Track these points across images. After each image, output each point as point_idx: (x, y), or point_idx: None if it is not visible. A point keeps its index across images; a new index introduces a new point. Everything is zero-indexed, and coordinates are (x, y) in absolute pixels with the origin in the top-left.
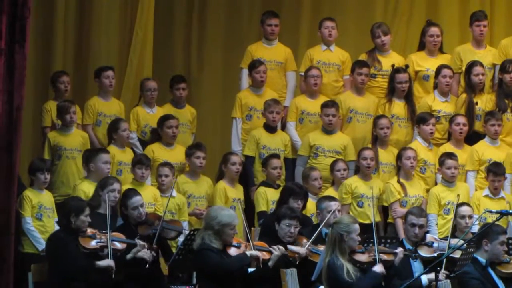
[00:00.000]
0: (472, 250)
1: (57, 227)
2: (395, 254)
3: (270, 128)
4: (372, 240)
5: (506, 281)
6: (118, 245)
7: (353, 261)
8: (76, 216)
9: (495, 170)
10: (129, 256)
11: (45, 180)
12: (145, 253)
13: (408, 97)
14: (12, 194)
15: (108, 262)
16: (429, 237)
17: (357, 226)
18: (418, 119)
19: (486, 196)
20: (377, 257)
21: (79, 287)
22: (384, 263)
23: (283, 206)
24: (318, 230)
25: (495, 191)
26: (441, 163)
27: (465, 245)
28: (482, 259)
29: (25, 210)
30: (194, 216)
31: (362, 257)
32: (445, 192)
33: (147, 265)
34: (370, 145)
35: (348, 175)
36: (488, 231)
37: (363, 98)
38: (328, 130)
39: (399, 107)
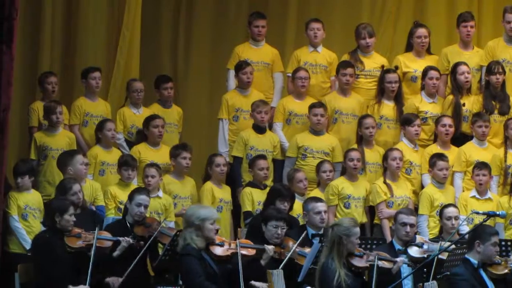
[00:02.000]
0: (460, 251)
1: (43, 228)
2: (395, 262)
3: (259, 128)
4: (363, 242)
5: (497, 282)
6: (104, 243)
7: (349, 264)
8: (61, 215)
9: (480, 166)
10: (115, 253)
11: (30, 182)
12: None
13: (397, 99)
14: None
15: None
16: (419, 238)
17: (357, 229)
18: (403, 121)
19: (473, 197)
20: (375, 263)
21: None
22: (381, 269)
23: (270, 207)
24: (305, 233)
25: (481, 189)
26: (432, 164)
27: (452, 246)
28: (474, 260)
29: (12, 209)
30: (181, 217)
31: (359, 262)
32: (437, 194)
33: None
34: (355, 145)
35: (335, 177)
36: (481, 232)
37: (348, 98)
38: (316, 130)
39: (388, 108)
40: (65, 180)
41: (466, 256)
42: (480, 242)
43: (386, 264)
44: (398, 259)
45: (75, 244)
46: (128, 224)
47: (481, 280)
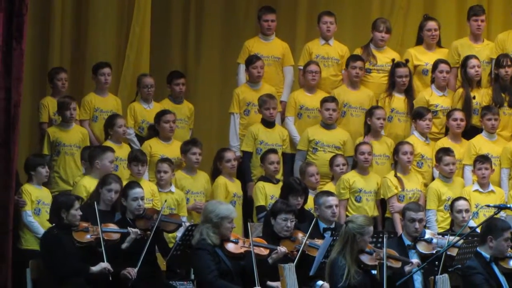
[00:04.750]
0: (471, 245)
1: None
2: (408, 263)
3: (267, 123)
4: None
5: (508, 276)
6: (113, 236)
7: (359, 261)
8: (67, 211)
9: (481, 160)
10: (124, 245)
11: (47, 174)
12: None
13: (408, 92)
14: (10, 190)
15: (102, 266)
16: (428, 233)
17: (371, 228)
18: (415, 114)
19: (476, 190)
20: (384, 263)
21: (78, 283)
22: (390, 269)
23: (278, 201)
24: (313, 223)
25: (483, 182)
26: (439, 159)
27: (462, 239)
28: (486, 255)
29: (26, 204)
30: (194, 211)
31: (369, 260)
32: (444, 188)
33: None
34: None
35: (348, 171)
36: (493, 227)
37: (357, 92)
38: (327, 124)
39: (399, 101)
40: (110, 175)
41: (478, 249)
42: (492, 237)
43: (394, 264)
44: (414, 261)
45: (83, 238)
46: (129, 220)
47: (493, 274)
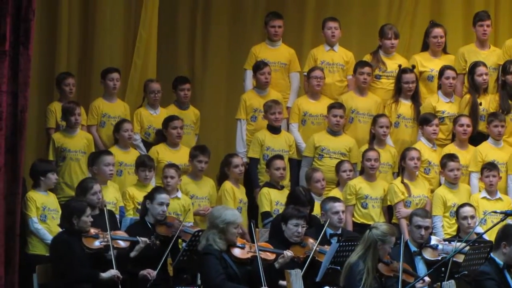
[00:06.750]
0: (478, 251)
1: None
2: (419, 279)
3: (274, 129)
4: None
5: None
6: (122, 244)
7: (376, 268)
8: (78, 217)
9: (489, 167)
10: (132, 254)
11: (56, 181)
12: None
13: (415, 97)
14: (17, 196)
15: (112, 272)
16: (434, 239)
17: (393, 239)
18: (421, 120)
19: (484, 197)
20: (400, 276)
21: None
22: (402, 282)
23: (290, 206)
24: (323, 231)
25: (491, 189)
26: (443, 165)
27: (469, 246)
28: (499, 261)
29: (31, 211)
30: (198, 216)
31: (384, 269)
32: (450, 194)
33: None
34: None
35: (354, 177)
36: (508, 233)
37: (365, 98)
38: (334, 131)
39: (405, 107)
40: (86, 180)
41: (492, 255)
42: (506, 243)
43: (407, 279)
44: (426, 279)
45: (92, 245)
46: (149, 224)
47: (505, 281)
